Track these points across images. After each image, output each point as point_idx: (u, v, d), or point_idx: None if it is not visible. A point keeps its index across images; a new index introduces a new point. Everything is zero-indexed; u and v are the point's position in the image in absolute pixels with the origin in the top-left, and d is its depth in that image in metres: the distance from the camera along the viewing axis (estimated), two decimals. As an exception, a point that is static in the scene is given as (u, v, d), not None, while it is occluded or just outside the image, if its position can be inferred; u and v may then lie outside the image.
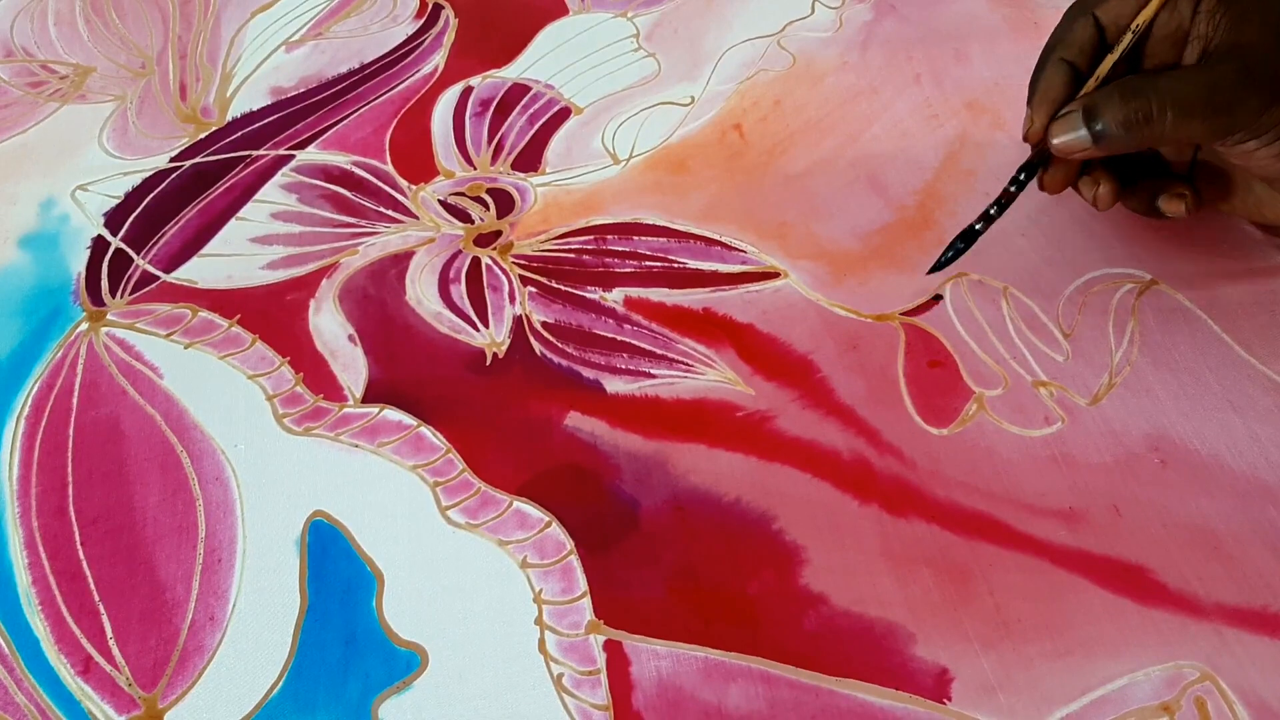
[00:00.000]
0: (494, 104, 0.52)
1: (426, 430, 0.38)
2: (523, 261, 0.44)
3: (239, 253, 0.45)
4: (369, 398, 0.40)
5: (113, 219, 0.47)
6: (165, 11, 0.60)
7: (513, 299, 0.43)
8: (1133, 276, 0.41)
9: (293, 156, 0.50)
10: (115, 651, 0.33)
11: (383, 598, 0.34)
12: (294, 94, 0.53)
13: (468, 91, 0.53)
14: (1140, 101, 0.34)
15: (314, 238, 0.46)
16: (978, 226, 0.39)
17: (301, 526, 0.36)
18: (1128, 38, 0.37)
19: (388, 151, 0.50)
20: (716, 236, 0.44)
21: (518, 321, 0.42)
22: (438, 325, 0.42)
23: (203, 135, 0.51)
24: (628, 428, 0.38)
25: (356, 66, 0.55)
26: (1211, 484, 0.35)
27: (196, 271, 0.45)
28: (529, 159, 0.49)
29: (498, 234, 0.45)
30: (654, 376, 0.40)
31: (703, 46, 0.54)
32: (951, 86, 0.50)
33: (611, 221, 0.45)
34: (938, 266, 0.40)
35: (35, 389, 0.41)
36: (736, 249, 0.44)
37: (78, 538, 0.36)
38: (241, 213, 0.47)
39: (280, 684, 0.33)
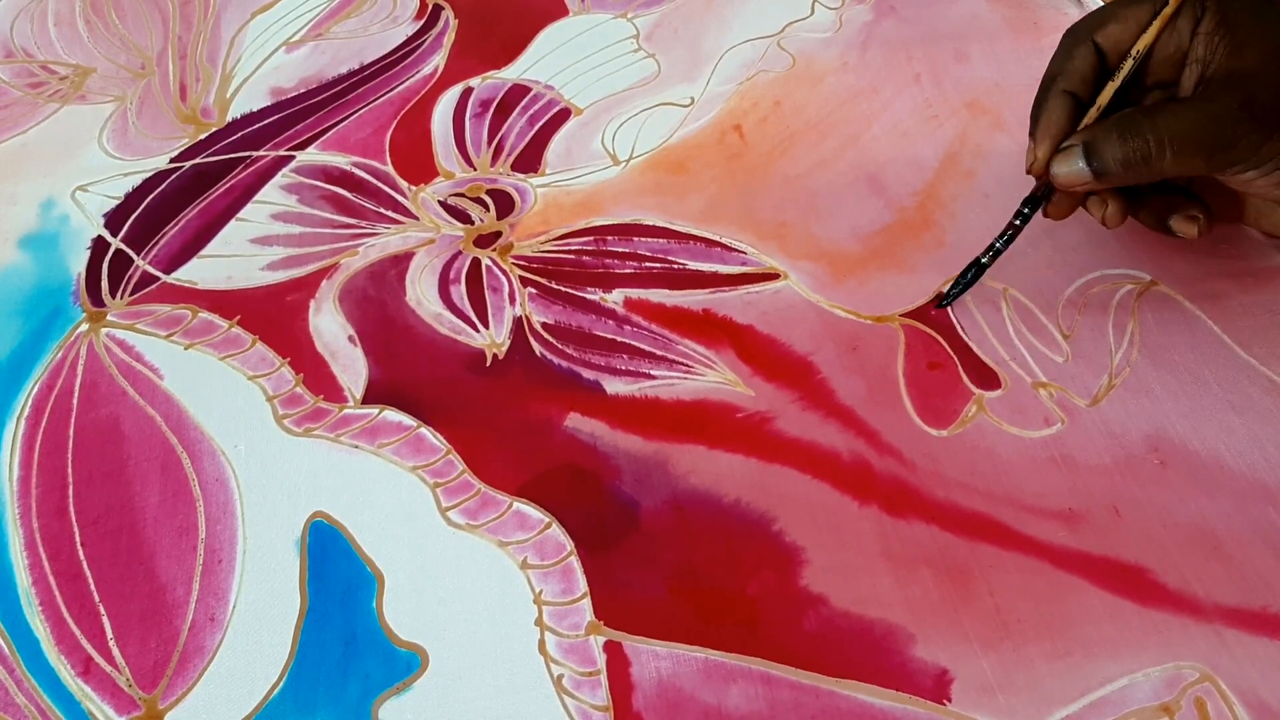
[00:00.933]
0: (494, 105, 0.52)
1: (426, 431, 0.38)
2: (523, 262, 0.44)
3: (239, 253, 0.45)
4: (369, 399, 0.40)
5: (113, 220, 0.47)
6: (165, 12, 0.60)
7: (513, 300, 0.43)
8: (1132, 277, 0.41)
9: (293, 157, 0.50)
10: (115, 652, 0.33)
11: (383, 599, 0.34)
12: (294, 95, 0.53)
13: (468, 92, 0.53)
14: (1139, 141, 0.34)
15: (314, 238, 0.46)
16: (984, 260, 0.39)
17: (302, 527, 0.36)
18: (1128, 64, 0.36)
19: (388, 152, 0.50)
20: (716, 237, 0.44)
21: (518, 322, 0.42)
22: (438, 326, 0.42)
23: (203, 136, 0.51)
24: (628, 429, 0.38)
25: (356, 67, 0.55)
26: (1211, 485, 0.35)
27: (196, 272, 0.45)
28: (529, 160, 0.49)
29: (498, 235, 0.45)
30: (654, 377, 0.40)
31: (702, 47, 0.54)
32: (951, 87, 0.50)
33: (611, 222, 0.45)
34: (945, 302, 0.40)
35: (35, 390, 0.41)
36: (736, 250, 0.44)
37: (78, 538, 0.36)
38: (241, 213, 0.47)
39: (280, 685, 0.33)
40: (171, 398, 0.40)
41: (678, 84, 0.52)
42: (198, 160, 0.50)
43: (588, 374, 0.40)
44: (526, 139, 0.50)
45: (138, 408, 0.40)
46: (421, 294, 0.43)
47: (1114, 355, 0.39)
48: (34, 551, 0.36)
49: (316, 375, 0.40)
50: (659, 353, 0.40)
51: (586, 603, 0.34)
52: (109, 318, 0.43)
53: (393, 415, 0.39)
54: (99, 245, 0.46)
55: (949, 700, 0.31)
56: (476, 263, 0.44)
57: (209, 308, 0.43)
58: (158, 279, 0.45)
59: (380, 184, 0.48)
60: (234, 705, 0.32)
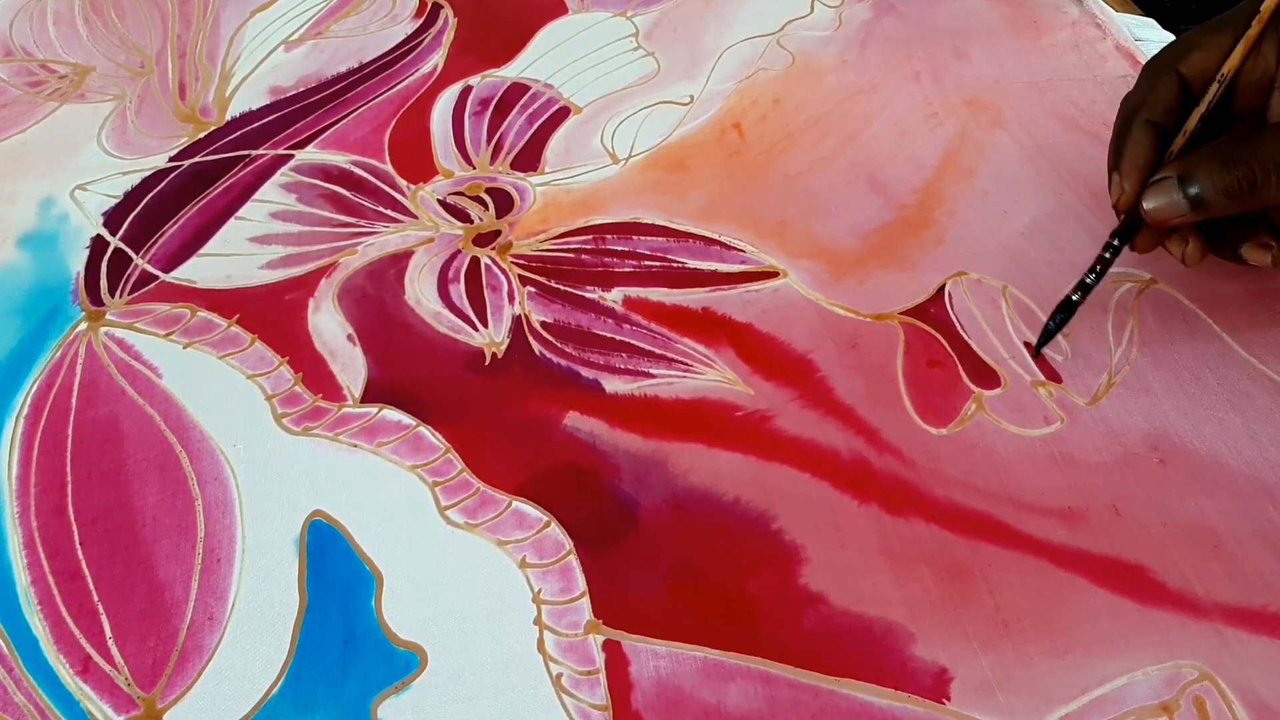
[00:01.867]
0: (493, 103, 0.52)
1: (425, 430, 0.38)
2: (522, 261, 0.44)
3: (238, 252, 0.45)
4: (368, 397, 0.40)
5: (112, 218, 0.47)
6: (164, 11, 0.60)
7: (512, 299, 0.43)
8: (1132, 275, 0.41)
9: (292, 156, 0.50)
10: (114, 651, 0.33)
11: (382, 597, 0.34)
12: (293, 93, 0.53)
13: (467, 91, 0.53)
14: (1244, 169, 0.33)
15: (313, 237, 0.46)
16: (1075, 298, 0.38)
17: (300, 526, 0.36)
18: (1214, 88, 0.36)
19: (387, 151, 0.50)
20: (716, 236, 0.44)
21: (517, 321, 0.42)
22: (437, 325, 0.42)
23: (202, 135, 0.51)
24: (627, 427, 0.38)
25: (356, 66, 0.55)
26: (1211, 483, 0.35)
27: (195, 271, 0.45)
28: (528, 158, 0.49)
29: (497, 234, 0.45)
30: (653, 376, 0.40)
31: (702, 45, 0.54)
32: (951, 84, 0.50)
33: (610, 221, 0.45)
34: (1039, 346, 0.38)
35: (34, 388, 0.41)
36: (735, 248, 0.44)
37: (77, 537, 0.36)
38: (240, 212, 0.47)
39: (279, 684, 0.33)
40: (170, 396, 0.40)
41: (677, 82, 0.52)
42: (197, 159, 0.50)
43: (587, 373, 0.40)
44: (526, 137, 0.50)
45: (136, 407, 0.40)
46: (420, 293, 0.43)
47: (1114, 353, 0.39)
48: (33, 550, 0.36)
49: (315, 374, 0.40)
50: (658, 351, 0.40)
51: (585, 601, 0.34)
52: (108, 316, 0.43)
53: (391, 414, 0.39)
54: (98, 244, 0.46)
55: (948, 699, 0.31)
56: (475, 261, 0.44)
57: (208, 306, 0.43)
58: (157, 278, 0.45)
59: (379, 183, 0.48)
60: (233, 704, 0.32)
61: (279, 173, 0.49)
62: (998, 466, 0.36)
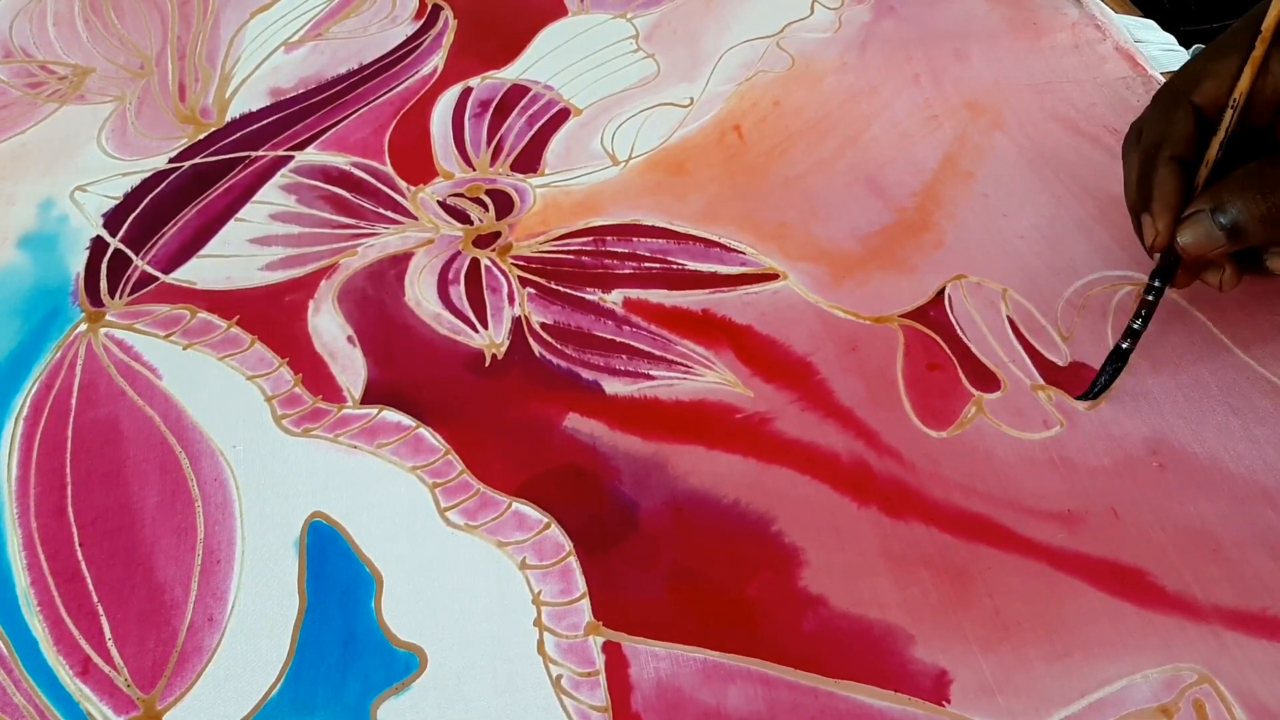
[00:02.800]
0: (493, 105, 0.52)
1: (425, 431, 0.38)
2: (522, 263, 0.44)
3: (238, 254, 0.45)
4: (368, 399, 0.40)
5: (112, 220, 0.47)
6: (164, 12, 0.60)
7: (512, 300, 0.43)
8: (1131, 279, 0.41)
9: (292, 157, 0.50)
10: (114, 652, 0.33)
11: (381, 599, 0.34)
12: (293, 95, 0.53)
13: (467, 92, 0.53)
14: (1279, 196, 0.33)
15: (313, 239, 0.46)
16: (1125, 345, 0.37)
17: (300, 527, 0.36)
18: (1229, 115, 0.35)
19: (387, 152, 0.50)
20: (715, 238, 0.44)
21: (517, 323, 0.42)
22: (437, 326, 0.42)
23: (201, 136, 0.51)
24: (627, 429, 0.38)
25: (356, 67, 0.55)
26: (1210, 486, 0.35)
27: (195, 272, 0.45)
28: (528, 160, 0.49)
29: (497, 235, 0.45)
30: (653, 378, 0.40)
31: (702, 47, 0.54)
32: (951, 86, 0.50)
33: (610, 223, 0.45)
34: (1092, 394, 0.38)
35: (34, 389, 0.41)
36: (735, 250, 0.44)
37: (76, 538, 0.36)
38: (240, 214, 0.47)
39: (279, 685, 0.33)
40: (170, 398, 0.40)
41: (677, 84, 0.52)
42: (197, 160, 0.50)
43: (587, 374, 0.40)
44: (526, 139, 0.50)
45: (136, 408, 0.40)
46: (420, 294, 0.43)
47: (1113, 356, 0.39)
48: (32, 551, 0.36)
49: (315, 375, 0.40)
50: (658, 353, 0.40)
51: (585, 603, 0.34)
52: (108, 318, 0.43)
53: (391, 415, 0.39)
54: (98, 245, 0.46)
55: (948, 701, 0.31)
56: (475, 263, 0.44)
57: (208, 308, 0.43)
58: (156, 279, 0.45)
59: (379, 184, 0.48)
60: (232, 705, 0.32)
61: (279, 174, 0.49)
62: (997, 469, 0.36)
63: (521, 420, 0.39)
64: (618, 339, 0.41)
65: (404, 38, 0.56)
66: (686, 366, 0.40)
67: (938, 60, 0.52)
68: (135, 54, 0.57)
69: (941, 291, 0.41)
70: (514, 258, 0.44)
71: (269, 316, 0.43)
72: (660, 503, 0.36)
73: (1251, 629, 0.32)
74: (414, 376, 0.40)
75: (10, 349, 0.42)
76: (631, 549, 0.35)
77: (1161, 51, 0.53)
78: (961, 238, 0.43)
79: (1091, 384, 0.37)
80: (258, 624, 0.34)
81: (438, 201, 0.47)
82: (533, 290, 0.43)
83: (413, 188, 0.48)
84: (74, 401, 0.40)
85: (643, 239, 0.45)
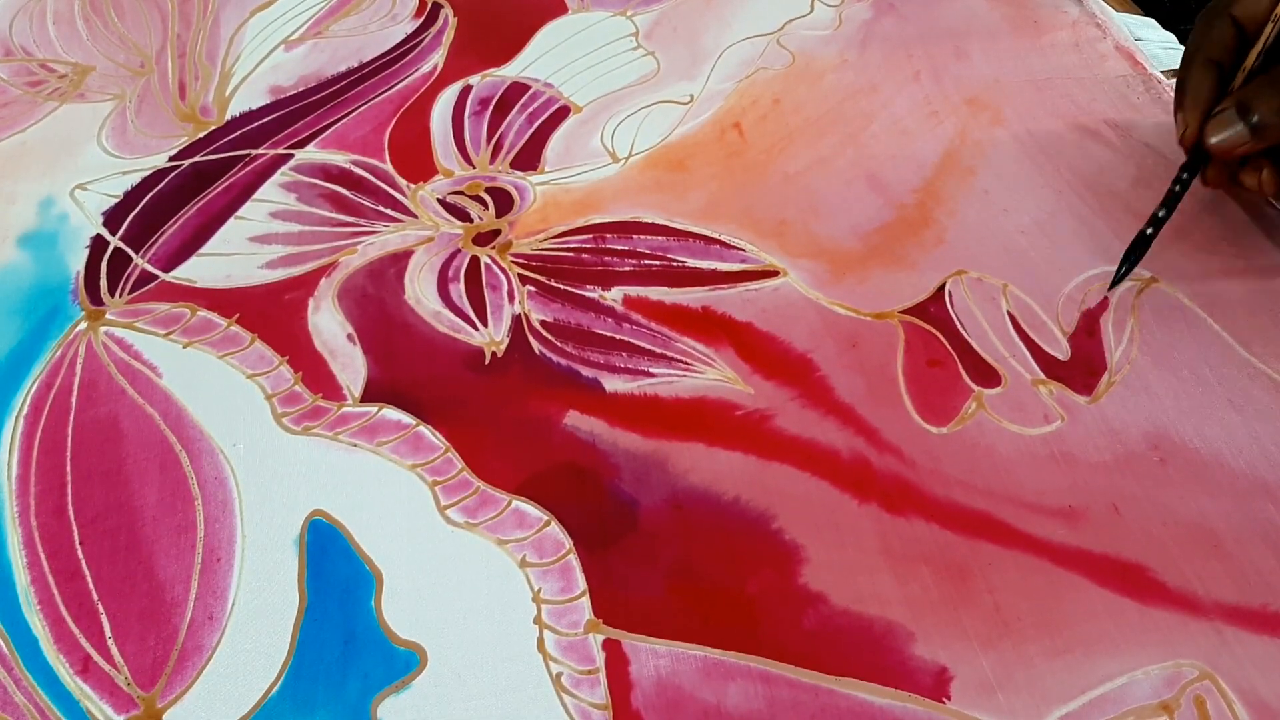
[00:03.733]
0: (493, 103, 0.52)
1: (425, 429, 0.38)
2: (522, 260, 0.44)
3: (238, 252, 0.45)
4: (368, 397, 0.40)
5: (112, 218, 0.47)
6: (164, 10, 0.60)
7: (511, 298, 0.43)
8: (1132, 274, 0.41)
9: (292, 155, 0.50)
10: (114, 651, 0.33)
11: (381, 597, 0.34)
12: (293, 93, 0.53)
13: (467, 90, 0.53)
14: None
15: (313, 237, 0.46)
16: (1149, 231, 0.39)
17: (300, 525, 0.36)
18: (1269, 28, 0.37)
19: (387, 150, 0.50)
20: (715, 235, 0.44)
21: (517, 320, 0.42)
22: (437, 324, 0.42)
23: (202, 134, 0.51)
24: (627, 426, 0.38)
25: (355, 65, 0.55)
26: (1211, 483, 0.35)
27: (195, 271, 0.45)
28: (528, 158, 0.49)
29: (497, 233, 0.45)
30: (653, 375, 0.40)
31: (702, 45, 0.54)
32: (951, 84, 0.50)
33: (610, 220, 0.45)
34: (1116, 280, 0.40)
35: (34, 388, 0.41)
36: (735, 247, 0.44)
37: (76, 537, 0.36)
38: (240, 212, 0.47)
39: (279, 683, 0.33)
40: (170, 396, 0.40)
41: (677, 81, 0.52)
42: (197, 158, 0.50)
43: (587, 372, 0.40)
44: (525, 137, 0.50)
45: (136, 406, 0.40)
46: (420, 292, 0.43)
47: (1114, 353, 0.39)
48: (32, 550, 0.36)
49: (315, 373, 0.40)
50: (658, 350, 0.40)
51: (585, 601, 0.34)
52: (108, 316, 0.43)
53: (391, 413, 0.39)
54: (98, 243, 0.46)
55: (948, 698, 0.31)
56: (475, 261, 0.44)
57: (208, 306, 0.43)
58: (156, 277, 0.45)
59: (379, 182, 0.48)
60: (232, 704, 0.32)
61: (279, 172, 0.49)
62: (998, 465, 0.36)
63: (521, 418, 0.39)
64: (618, 336, 0.41)
65: (404, 35, 0.56)
66: (686, 364, 0.40)
67: (938, 58, 0.52)
68: (135, 52, 0.57)
69: (942, 287, 0.41)
70: (514, 255, 0.44)
71: (269, 314, 0.43)
72: (660, 500, 0.36)
73: (1253, 625, 0.32)
74: (414, 374, 0.40)
75: (10, 347, 0.42)
76: (631, 546, 0.35)
77: (1162, 50, 0.52)
78: (962, 234, 0.43)
79: (1116, 273, 0.40)
80: (258, 622, 0.34)
81: (438, 199, 0.47)
82: (532, 288, 0.43)
83: (412, 185, 0.48)
84: (74, 400, 0.40)
85: (642, 236, 0.45)
